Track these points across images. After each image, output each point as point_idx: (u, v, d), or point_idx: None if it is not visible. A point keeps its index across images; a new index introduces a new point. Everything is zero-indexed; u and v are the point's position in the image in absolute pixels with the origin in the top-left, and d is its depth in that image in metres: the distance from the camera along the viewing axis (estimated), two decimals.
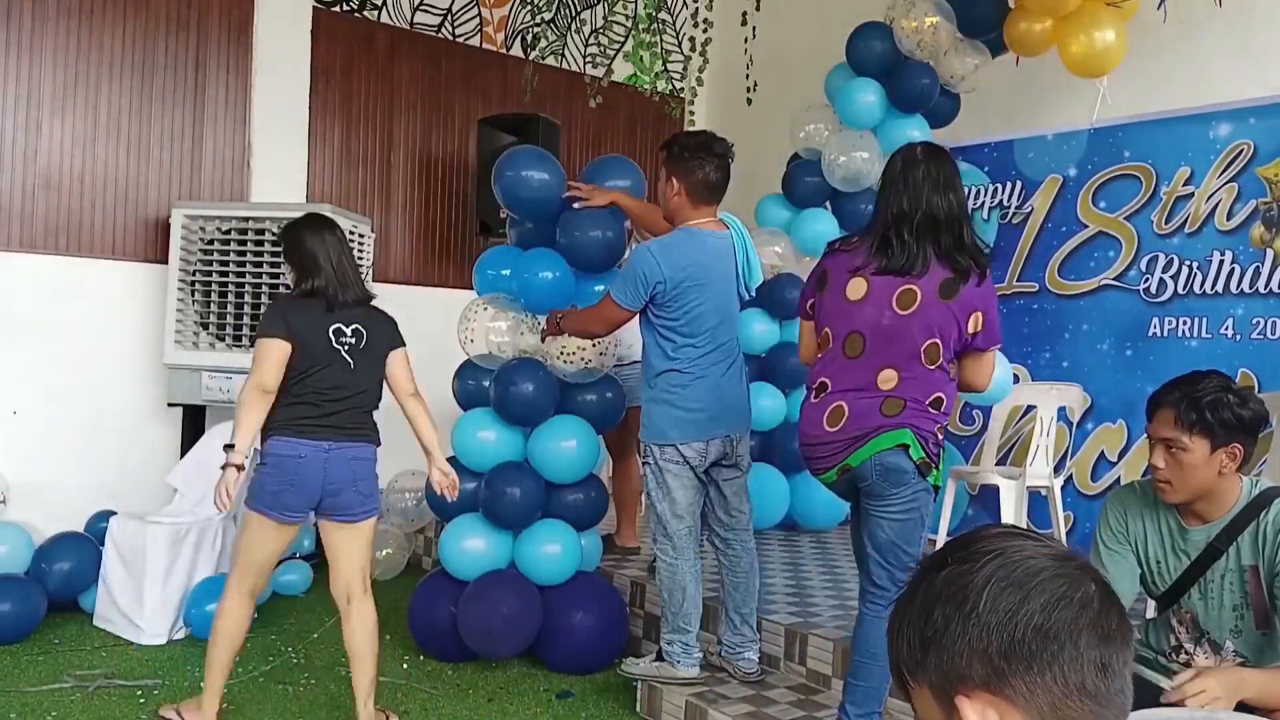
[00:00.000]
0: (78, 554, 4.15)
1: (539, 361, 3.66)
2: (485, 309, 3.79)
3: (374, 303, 3.09)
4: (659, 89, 6.30)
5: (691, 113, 6.82)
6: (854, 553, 2.77)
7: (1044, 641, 0.82)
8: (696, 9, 5.43)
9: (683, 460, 3.07)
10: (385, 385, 3.10)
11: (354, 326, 2.96)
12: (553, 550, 3.58)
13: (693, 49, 5.77)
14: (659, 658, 3.24)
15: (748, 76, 5.58)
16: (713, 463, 3.13)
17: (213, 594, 3.76)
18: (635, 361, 4.13)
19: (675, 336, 3.05)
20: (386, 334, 3.07)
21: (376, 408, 3.06)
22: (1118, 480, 4.45)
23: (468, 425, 3.73)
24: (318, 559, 4.95)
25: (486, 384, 3.72)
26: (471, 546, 3.64)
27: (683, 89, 7.07)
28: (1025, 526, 0.95)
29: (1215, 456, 2.06)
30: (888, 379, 2.52)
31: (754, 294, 3.24)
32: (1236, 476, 2.12)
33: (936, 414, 2.54)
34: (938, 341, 2.51)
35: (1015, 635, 0.82)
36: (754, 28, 5.47)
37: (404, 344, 3.13)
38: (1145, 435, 2.17)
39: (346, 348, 2.94)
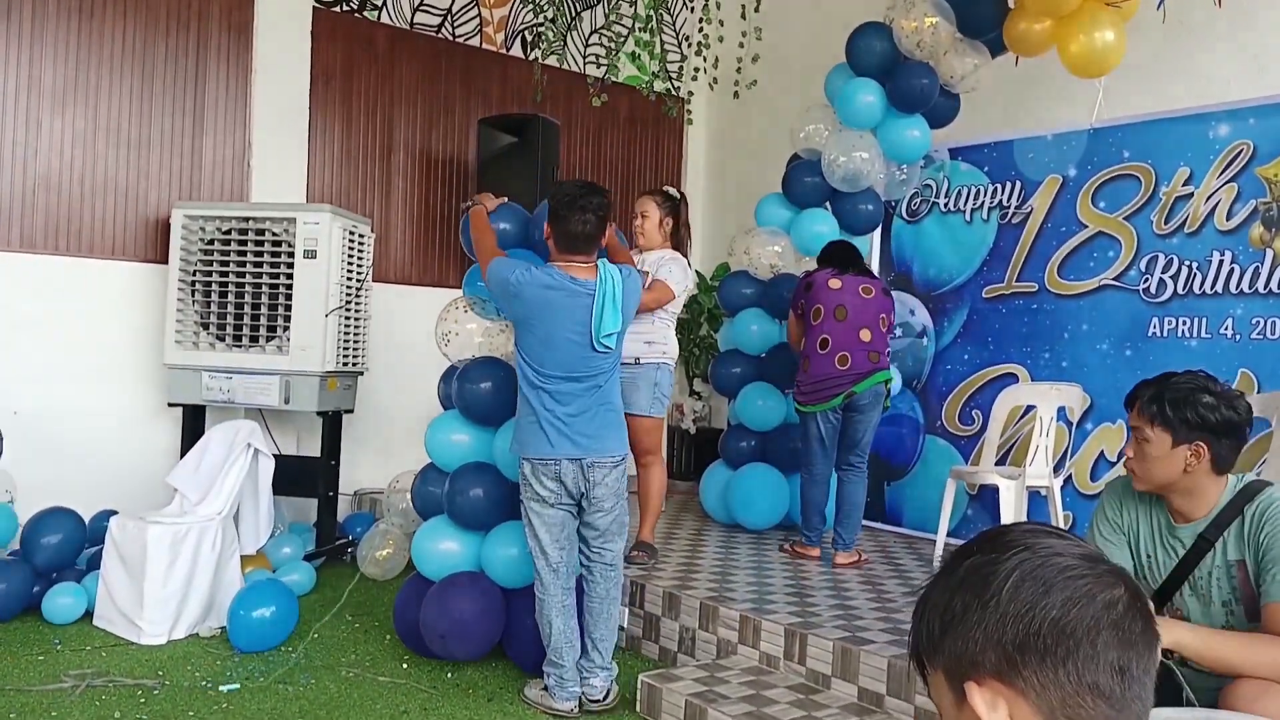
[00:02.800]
0: (64, 527, 4.24)
1: (502, 361, 3.65)
2: (459, 309, 3.79)
3: None
4: (657, 89, 6.29)
5: (689, 112, 6.83)
6: (824, 453, 4.30)
7: (1059, 637, 0.82)
8: (706, 4, 5.42)
9: (539, 498, 3.17)
10: None
11: None
12: (515, 553, 3.51)
13: (693, 49, 5.76)
14: (546, 687, 3.30)
15: (738, 71, 5.57)
16: (579, 497, 3.21)
17: (257, 601, 3.83)
18: (629, 361, 4.12)
19: (530, 369, 3.16)
20: None
21: None
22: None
23: (439, 427, 3.73)
24: (322, 559, 4.96)
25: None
26: (441, 548, 3.63)
27: (680, 88, 7.07)
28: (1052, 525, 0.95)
29: (1177, 451, 2.10)
30: (865, 336, 4.20)
31: (605, 345, 3.16)
32: (1213, 476, 2.13)
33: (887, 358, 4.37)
34: (884, 316, 4.31)
35: (1031, 628, 0.82)
36: (758, 29, 5.48)
37: None
38: None
39: None
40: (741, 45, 5.38)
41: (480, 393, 3.55)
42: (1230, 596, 2.13)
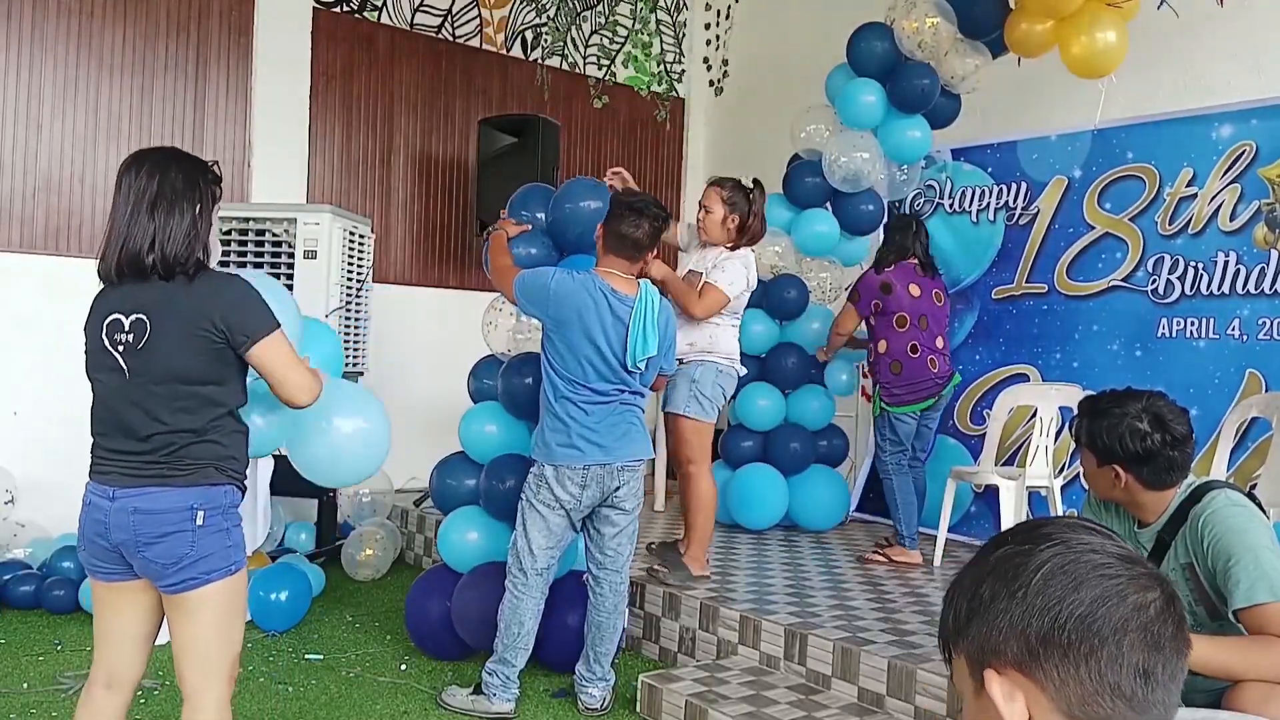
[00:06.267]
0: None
1: None
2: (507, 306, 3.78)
3: (203, 274, 2.08)
4: (656, 89, 6.29)
5: (659, 114, 6.80)
6: (906, 451, 4.42)
7: (1084, 634, 0.81)
8: (682, 6, 5.44)
9: (555, 502, 3.11)
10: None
11: (136, 316, 2.03)
12: None
13: (682, 50, 5.76)
14: (477, 690, 3.23)
15: (711, 69, 5.56)
16: (594, 506, 3.17)
17: (271, 583, 3.98)
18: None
19: (557, 376, 3.11)
20: (200, 319, 2.02)
21: (189, 433, 2.04)
22: None
23: (474, 419, 3.73)
24: (322, 559, 4.95)
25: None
26: (471, 539, 3.63)
27: (669, 90, 7.07)
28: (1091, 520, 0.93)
29: (1103, 471, 2.18)
30: (940, 343, 4.43)
31: (640, 367, 3.12)
32: (1151, 491, 2.17)
33: None
34: (949, 322, 4.56)
35: (1057, 621, 0.82)
36: (720, 34, 5.46)
37: (262, 329, 2.07)
38: None
39: (122, 348, 2.04)
40: (718, 48, 5.35)
41: (526, 387, 3.51)
42: (1190, 598, 2.14)
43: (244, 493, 2.17)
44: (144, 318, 2.02)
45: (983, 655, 0.86)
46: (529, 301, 3.14)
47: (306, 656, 3.76)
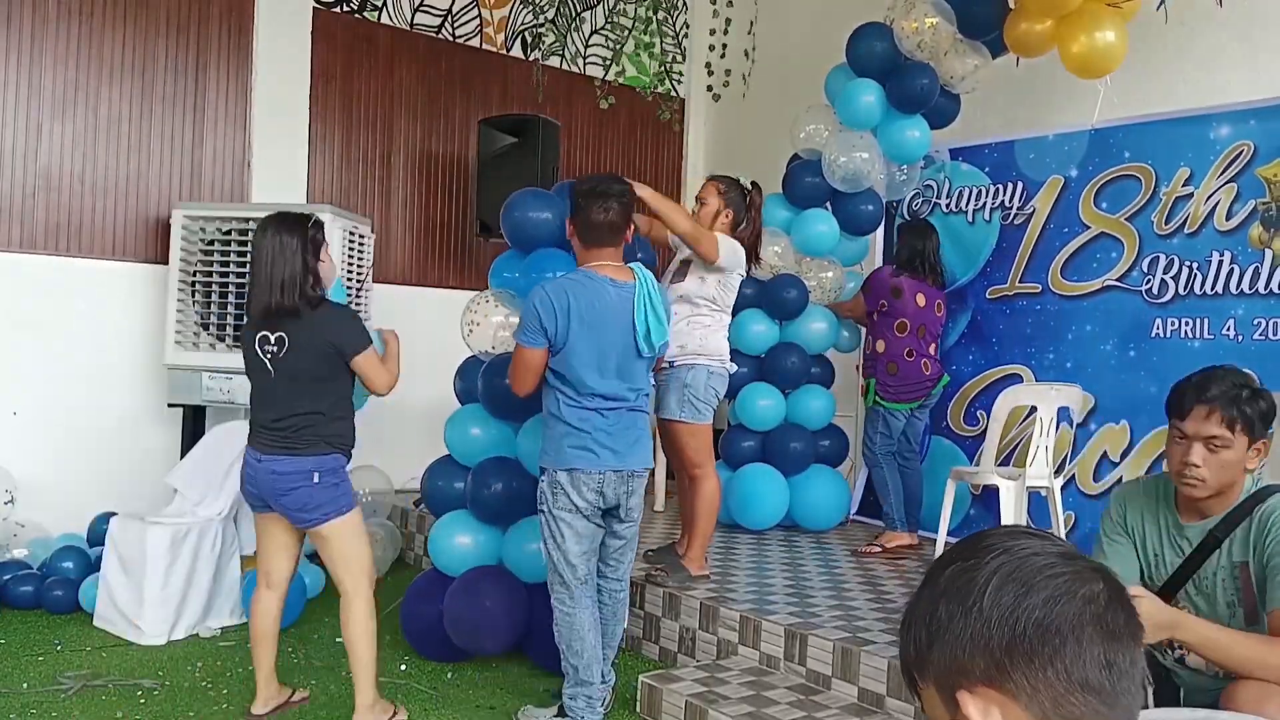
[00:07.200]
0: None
1: None
2: (490, 302, 3.75)
3: (322, 308, 2.96)
4: (658, 90, 6.29)
5: (662, 107, 6.80)
6: (882, 452, 4.70)
7: (1045, 636, 0.81)
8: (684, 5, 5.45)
9: (574, 509, 3.04)
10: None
11: (278, 334, 2.94)
12: (537, 548, 3.44)
13: (681, 50, 5.77)
14: (560, 712, 3.17)
15: (711, 70, 5.56)
16: (613, 508, 3.12)
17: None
18: (662, 367, 3.85)
19: (569, 389, 3.02)
20: (321, 339, 2.94)
21: (318, 415, 2.96)
22: (1119, 480, 4.46)
23: (460, 420, 3.72)
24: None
25: None
26: (460, 542, 3.62)
27: (669, 90, 7.07)
28: (1029, 525, 0.94)
29: (1249, 451, 2.12)
30: (933, 349, 4.70)
31: (656, 352, 3.09)
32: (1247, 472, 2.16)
33: None
34: (941, 331, 4.84)
35: (1016, 630, 0.82)
36: (726, 20, 5.44)
37: (359, 346, 2.97)
38: (1172, 430, 2.17)
39: (269, 356, 2.95)
40: (712, 49, 5.37)
41: (507, 388, 3.49)
42: (1234, 598, 2.13)
43: (349, 460, 3.06)
44: (285, 335, 2.93)
45: (951, 678, 0.85)
46: (539, 323, 2.98)
47: (306, 656, 3.76)
